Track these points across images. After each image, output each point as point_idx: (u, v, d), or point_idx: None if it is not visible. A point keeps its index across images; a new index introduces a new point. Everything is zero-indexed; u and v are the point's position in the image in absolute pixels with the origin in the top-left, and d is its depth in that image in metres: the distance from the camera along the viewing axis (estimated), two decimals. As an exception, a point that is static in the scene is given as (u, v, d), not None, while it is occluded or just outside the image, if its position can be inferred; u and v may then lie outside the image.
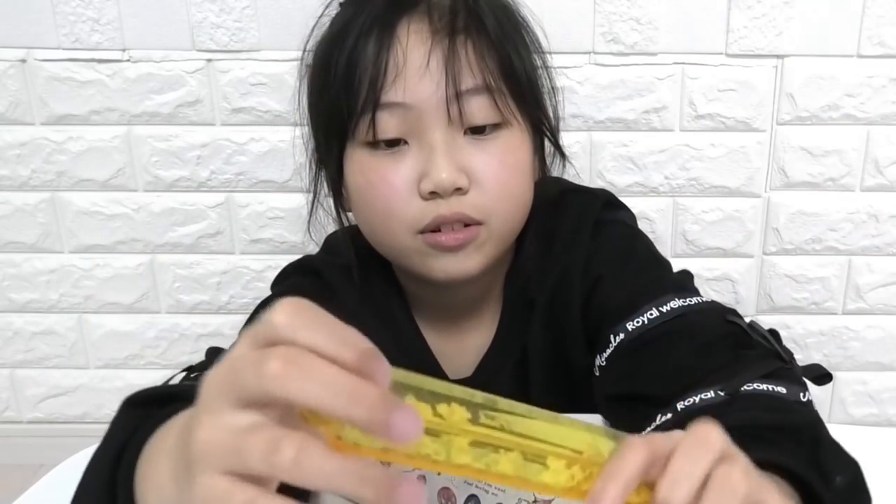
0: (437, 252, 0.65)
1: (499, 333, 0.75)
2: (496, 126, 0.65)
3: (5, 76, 1.25)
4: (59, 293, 1.39)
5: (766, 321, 1.38)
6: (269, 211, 1.32)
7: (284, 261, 1.36)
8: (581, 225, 0.73)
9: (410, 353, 0.75)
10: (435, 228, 0.64)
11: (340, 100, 0.64)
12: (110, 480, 0.43)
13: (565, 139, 0.77)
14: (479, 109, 0.63)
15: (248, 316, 0.73)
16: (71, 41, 1.22)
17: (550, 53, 0.74)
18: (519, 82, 0.66)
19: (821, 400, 1.43)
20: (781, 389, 0.54)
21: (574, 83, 1.22)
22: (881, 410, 1.44)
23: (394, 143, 0.64)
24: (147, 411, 0.47)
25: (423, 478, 0.54)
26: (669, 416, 0.55)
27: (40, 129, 1.28)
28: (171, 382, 0.60)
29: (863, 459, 0.64)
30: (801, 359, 1.40)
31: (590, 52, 1.22)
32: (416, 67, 0.62)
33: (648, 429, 0.58)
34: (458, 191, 0.63)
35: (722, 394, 0.54)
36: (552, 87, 0.74)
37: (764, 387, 0.54)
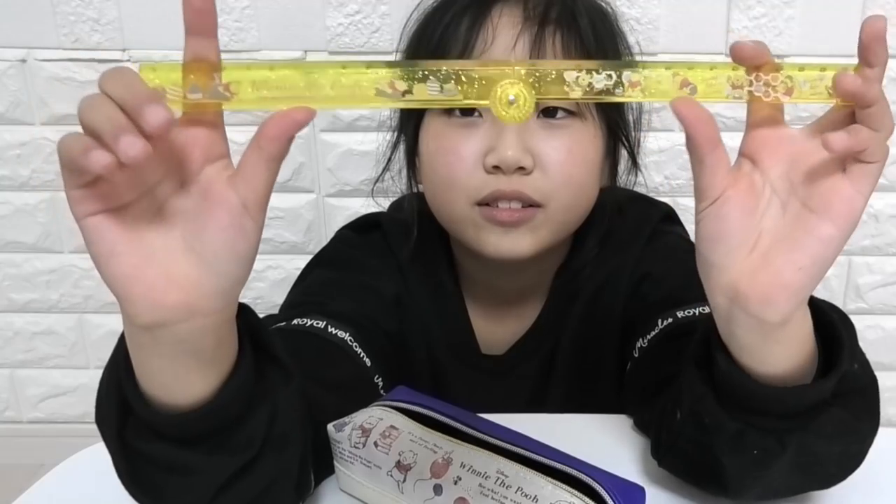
0: (491, 226, 0.66)
1: (538, 322, 0.77)
2: (570, 114, 0.67)
3: (5, 76, 1.25)
4: (59, 293, 1.39)
5: (766, 321, 1.38)
6: (269, 211, 1.31)
7: (284, 261, 1.37)
8: (638, 230, 0.76)
9: (448, 318, 0.77)
10: (492, 202, 0.66)
11: None
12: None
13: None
14: None
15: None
16: (71, 41, 1.22)
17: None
18: None
19: (821, 400, 1.43)
20: None
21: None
22: (881, 410, 1.43)
23: (468, 113, 0.66)
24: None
25: (439, 487, 0.53)
26: (670, 320, 0.63)
27: (40, 129, 1.28)
28: None
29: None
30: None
31: (590, 52, 1.22)
32: (503, 48, 0.65)
33: (650, 335, 0.64)
34: (521, 170, 0.65)
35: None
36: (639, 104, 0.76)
37: None
